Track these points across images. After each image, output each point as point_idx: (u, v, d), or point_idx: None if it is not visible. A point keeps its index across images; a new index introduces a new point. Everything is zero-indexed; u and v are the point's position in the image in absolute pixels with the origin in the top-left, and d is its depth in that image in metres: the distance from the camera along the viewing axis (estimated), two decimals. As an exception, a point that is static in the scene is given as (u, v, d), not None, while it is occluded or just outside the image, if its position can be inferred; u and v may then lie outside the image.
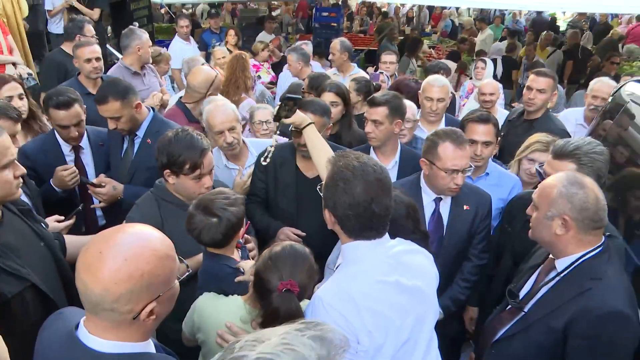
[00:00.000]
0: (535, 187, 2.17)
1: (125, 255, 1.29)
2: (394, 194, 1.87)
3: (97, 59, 4.21)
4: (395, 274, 1.78)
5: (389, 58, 6.01)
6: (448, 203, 2.74)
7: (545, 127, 3.66)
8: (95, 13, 7.00)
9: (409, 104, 3.52)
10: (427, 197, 2.74)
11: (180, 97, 4.05)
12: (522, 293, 2.20)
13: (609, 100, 3.74)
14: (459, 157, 2.56)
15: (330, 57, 5.90)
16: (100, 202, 3.16)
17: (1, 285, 1.74)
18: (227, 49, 7.33)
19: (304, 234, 2.85)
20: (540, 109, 3.97)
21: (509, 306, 2.22)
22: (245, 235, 2.46)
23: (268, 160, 2.80)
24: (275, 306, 1.77)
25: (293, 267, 1.86)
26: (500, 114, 4.97)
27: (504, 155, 3.70)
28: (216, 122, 3.10)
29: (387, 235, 1.84)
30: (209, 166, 2.48)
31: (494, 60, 9.51)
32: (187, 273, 1.66)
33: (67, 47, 4.90)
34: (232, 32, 8.06)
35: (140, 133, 3.21)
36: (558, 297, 2.01)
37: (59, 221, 2.63)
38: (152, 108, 3.37)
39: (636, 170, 2.93)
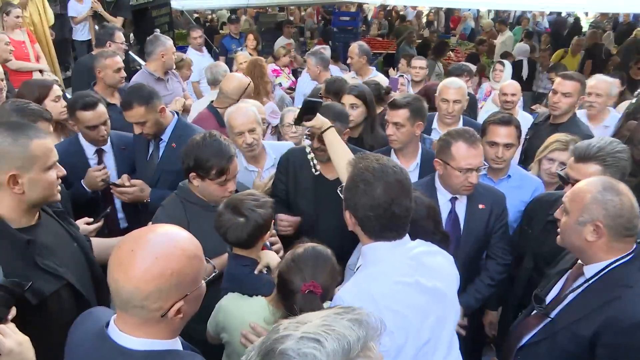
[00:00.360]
0: (558, 188, 2.16)
1: (156, 254, 1.33)
2: (414, 195, 1.89)
3: (121, 69, 4.27)
4: (415, 274, 1.78)
5: (419, 63, 5.99)
6: (464, 203, 2.75)
7: (571, 132, 3.57)
8: (119, 21, 7.15)
9: None
10: (443, 197, 2.75)
11: (212, 102, 4.12)
12: (548, 298, 2.17)
13: (634, 100, 3.69)
14: (473, 156, 2.58)
15: (348, 60, 5.91)
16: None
17: (40, 283, 1.80)
18: (249, 53, 7.43)
19: (298, 218, 2.92)
20: (566, 113, 3.89)
21: (535, 311, 2.19)
22: (273, 231, 2.49)
23: (317, 168, 2.87)
24: (299, 307, 1.79)
25: (315, 269, 1.89)
26: (521, 116, 4.94)
27: (529, 159, 3.67)
28: (237, 123, 3.15)
29: (407, 236, 1.85)
30: (234, 172, 2.54)
31: (520, 62, 9.47)
32: (214, 273, 1.69)
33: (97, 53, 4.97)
34: (251, 36, 8.14)
35: (165, 137, 3.27)
36: (586, 305, 1.97)
37: (88, 223, 2.70)
38: (177, 112, 3.44)
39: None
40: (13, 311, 1.67)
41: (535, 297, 2.19)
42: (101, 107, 3.23)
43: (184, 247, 1.39)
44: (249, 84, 4.02)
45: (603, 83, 4.31)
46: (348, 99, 3.60)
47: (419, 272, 1.80)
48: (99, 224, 2.71)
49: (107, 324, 1.43)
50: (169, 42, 4.84)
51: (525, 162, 3.80)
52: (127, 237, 1.43)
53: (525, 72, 9.33)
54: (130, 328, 1.38)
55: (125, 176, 3.20)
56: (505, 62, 7.06)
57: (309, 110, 2.54)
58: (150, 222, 2.44)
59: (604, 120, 4.35)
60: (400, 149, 3.19)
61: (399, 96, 3.32)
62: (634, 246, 1.97)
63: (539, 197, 2.88)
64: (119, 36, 5.03)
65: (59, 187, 2.03)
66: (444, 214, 2.73)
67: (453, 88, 3.89)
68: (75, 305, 1.87)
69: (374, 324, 0.99)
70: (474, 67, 7.46)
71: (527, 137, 4.15)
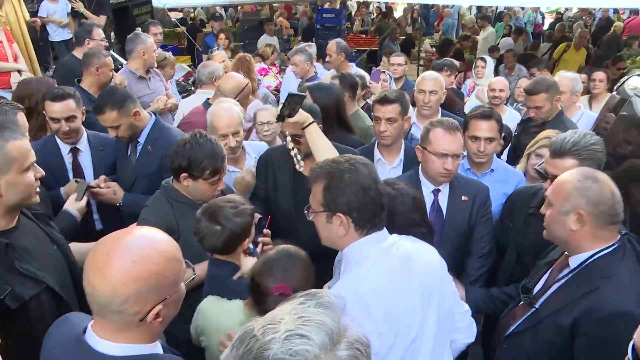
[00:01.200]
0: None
1: (133, 257, 1.31)
2: (399, 186, 1.93)
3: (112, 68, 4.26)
4: (401, 269, 1.76)
5: (397, 60, 5.96)
6: (446, 194, 2.77)
7: (558, 129, 3.58)
8: (102, 20, 7.03)
9: None
10: (426, 189, 2.77)
11: (208, 99, 4.08)
12: (536, 289, 2.19)
13: (613, 94, 3.74)
14: (449, 142, 2.62)
15: (327, 58, 5.90)
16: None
17: (19, 288, 1.77)
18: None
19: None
20: (552, 112, 3.87)
21: (522, 302, 2.21)
22: (265, 231, 2.50)
23: (301, 164, 2.83)
24: (271, 310, 1.78)
25: (286, 270, 1.89)
26: (507, 112, 4.98)
27: (517, 156, 3.70)
28: (221, 125, 3.10)
29: (385, 230, 1.85)
30: (225, 171, 2.59)
31: (502, 57, 9.58)
32: (193, 276, 1.66)
33: (78, 53, 4.86)
34: (222, 35, 8.09)
35: (142, 139, 3.23)
36: (568, 295, 2.00)
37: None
38: (155, 114, 3.38)
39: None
40: None
41: (522, 287, 2.21)
42: (69, 102, 3.15)
43: (162, 249, 1.36)
44: (246, 85, 4.03)
45: (566, 80, 4.34)
46: None
47: (405, 266, 1.78)
48: (84, 199, 2.80)
49: (85, 330, 1.39)
50: (149, 39, 4.79)
51: (514, 159, 3.81)
52: (103, 240, 1.39)
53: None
54: (108, 333, 1.34)
55: (102, 177, 3.15)
56: (487, 57, 7.10)
57: (291, 105, 2.52)
58: (135, 224, 2.41)
59: (574, 115, 4.35)
60: (388, 145, 3.19)
61: (387, 92, 3.28)
62: (618, 237, 2.00)
63: (519, 190, 2.91)
64: (98, 33, 4.96)
65: (38, 189, 2.00)
66: (428, 206, 2.73)
67: (429, 79, 3.96)
68: (56, 309, 1.84)
69: (335, 301, 1.00)
70: (457, 63, 7.52)
71: (516, 133, 4.18)
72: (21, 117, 2.71)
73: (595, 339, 1.86)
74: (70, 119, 3.17)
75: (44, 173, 2.01)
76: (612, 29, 12.32)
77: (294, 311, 0.98)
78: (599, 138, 2.49)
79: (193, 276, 1.55)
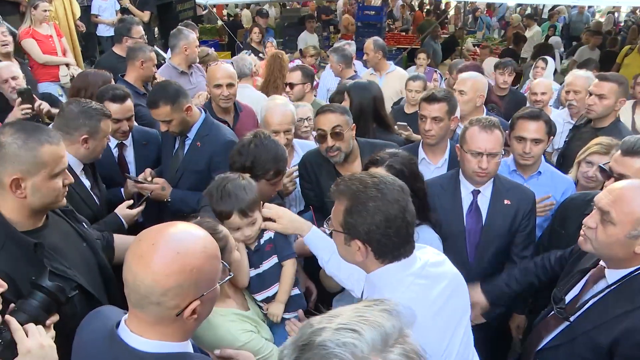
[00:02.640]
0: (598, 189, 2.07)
1: (177, 249, 1.30)
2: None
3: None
4: (433, 293, 1.69)
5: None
6: (488, 197, 2.68)
7: (614, 137, 3.27)
8: (146, 15, 7.19)
9: None
10: (465, 189, 2.70)
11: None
12: (568, 298, 2.10)
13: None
14: (484, 140, 2.56)
15: (364, 57, 5.83)
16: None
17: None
18: (252, 46, 7.41)
19: None
20: (606, 117, 3.67)
21: (554, 311, 2.11)
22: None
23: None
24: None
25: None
26: (553, 113, 4.79)
27: (567, 163, 3.54)
28: (274, 122, 3.15)
29: (413, 254, 1.73)
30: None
31: (552, 55, 9.30)
32: (229, 277, 1.65)
33: (117, 50, 4.98)
34: (256, 29, 8.08)
35: (191, 135, 3.23)
36: (606, 312, 1.90)
37: (129, 207, 2.79)
38: (204, 110, 3.40)
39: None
40: (55, 317, 1.66)
41: (553, 295, 2.11)
42: (129, 103, 3.22)
43: (205, 245, 1.36)
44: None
45: (581, 79, 4.16)
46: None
47: (436, 290, 1.70)
48: (141, 207, 2.81)
49: (118, 324, 1.39)
50: (192, 35, 4.83)
51: (562, 165, 3.64)
52: (147, 231, 1.38)
53: (559, 65, 9.14)
54: (143, 328, 1.34)
55: (148, 170, 3.16)
56: (549, 58, 6.79)
57: None
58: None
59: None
60: (433, 144, 3.12)
61: (434, 90, 3.22)
62: None
63: (573, 197, 2.78)
64: (137, 31, 5.03)
65: (65, 194, 1.97)
66: (465, 207, 2.70)
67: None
68: (88, 307, 1.80)
69: (404, 312, 1.00)
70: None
71: (566, 139, 4.01)
72: (104, 124, 2.73)
73: None
74: (130, 118, 3.25)
75: (72, 180, 1.99)
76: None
77: (357, 310, 1.00)
78: None
79: (230, 275, 1.52)
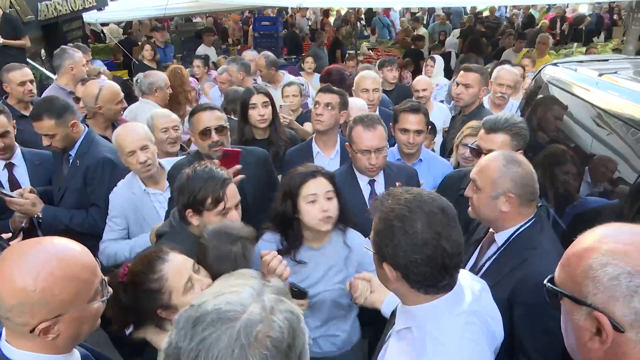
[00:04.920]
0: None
1: (24, 268, 1.29)
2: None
3: (31, 81, 4.20)
4: (482, 331, 1.57)
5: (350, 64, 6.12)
6: (382, 183, 2.90)
7: (476, 118, 3.76)
8: (27, 41, 6.77)
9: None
10: (362, 181, 2.91)
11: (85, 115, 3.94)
12: (467, 267, 2.28)
13: (531, 83, 3.98)
14: (369, 139, 2.76)
15: (257, 73, 5.96)
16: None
17: None
18: (145, 64, 7.33)
19: None
20: (472, 104, 4.09)
21: None
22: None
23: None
24: None
25: None
26: (436, 107, 5.18)
27: (447, 151, 3.88)
28: (126, 143, 2.93)
29: (459, 285, 1.55)
30: (233, 198, 2.26)
31: (449, 54, 10.06)
32: (103, 298, 1.49)
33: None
34: (147, 46, 7.98)
35: (73, 152, 3.19)
36: (500, 270, 2.10)
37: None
38: (87, 125, 3.36)
39: (558, 147, 3.15)
40: None
41: None
42: (1, 118, 3.12)
43: (60, 267, 1.32)
44: (100, 89, 3.68)
45: (509, 74, 4.55)
46: (258, 98, 3.57)
47: (485, 330, 1.58)
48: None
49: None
50: (77, 54, 4.72)
51: (444, 153, 3.98)
52: (13, 246, 1.40)
53: (453, 63, 9.92)
54: (10, 338, 1.35)
55: (28, 187, 3.08)
56: (437, 57, 7.35)
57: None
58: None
59: (504, 106, 4.60)
60: (321, 130, 3.31)
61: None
62: (535, 210, 2.14)
63: (449, 175, 3.09)
64: None
65: None
66: (366, 196, 2.89)
67: (369, 78, 4.23)
68: None
69: (249, 271, 1.18)
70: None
71: (446, 129, 4.36)
72: None
73: (531, 306, 1.95)
74: (3, 135, 3.14)
75: None
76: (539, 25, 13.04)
77: (221, 283, 1.12)
78: (523, 119, 2.74)
79: (104, 298, 1.47)
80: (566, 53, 10.27)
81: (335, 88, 3.38)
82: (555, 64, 3.66)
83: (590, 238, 1.16)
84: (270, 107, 3.61)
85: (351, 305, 2.40)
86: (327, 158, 3.34)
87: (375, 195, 2.86)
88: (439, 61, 7.17)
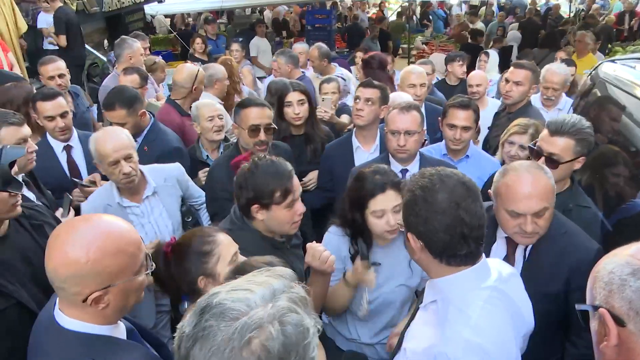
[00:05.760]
0: None
1: (75, 241, 1.39)
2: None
3: (60, 75, 4.37)
4: (510, 309, 1.59)
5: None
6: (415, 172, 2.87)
7: (524, 116, 3.58)
8: (62, 40, 7.16)
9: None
10: (395, 169, 2.86)
11: (169, 95, 4.22)
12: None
13: (586, 80, 3.83)
14: (399, 120, 2.84)
15: (309, 64, 5.99)
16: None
17: None
18: (196, 57, 7.49)
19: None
20: (520, 102, 3.96)
21: None
22: None
23: None
24: None
25: None
26: (491, 103, 5.06)
27: (489, 147, 3.80)
28: (108, 150, 2.62)
29: (484, 260, 1.60)
30: (298, 189, 2.26)
31: (510, 47, 10.02)
32: (149, 270, 1.59)
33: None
34: (198, 40, 8.13)
35: (139, 140, 3.33)
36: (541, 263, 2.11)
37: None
38: (153, 115, 3.52)
39: (612, 148, 3.03)
40: None
41: None
42: (60, 100, 3.27)
43: (109, 241, 1.42)
44: (198, 71, 4.10)
45: (557, 76, 4.38)
46: (294, 96, 3.61)
47: (510, 309, 1.60)
48: (71, 213, 2.72)
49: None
50: (135, 43, 4.90)
51: (487, 149, 3.89)
52: (65, 222, 1.51)
53: (514, 57, 9.68)
54: (64, 307, 1.45)
55: (97, 175, 3.14)
56: (490, 51, 7.18)
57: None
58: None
59: (557, 104, 4.47)
60: (361, 125, 3.32)
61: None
62: None
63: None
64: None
65: (18, 203, 1.99)
66: None
67: (414, 73, 4.21)
68: (30, 323, 1.75)
69: (286, 273, 1.14)
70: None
71: (489, 126, 4.26)
72: (6, 132, 2.58)
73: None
74: (63, 115, 3.30)
75: (20, 192, 1.99)
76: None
77: (247, 277, 1.12)
78: (590, 124, 2.60)
79: (150, 269, 1.56)
80: (634, 50, 9.73)
81: (376, 82, 3.37)
82: (612, 61, 3.51)
83: (616, 250, 1.17)
84: (306, 105, 3.63)
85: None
86: (366, 152, 3.35)
87: None
88: (493, 56, 6.98)
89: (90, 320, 1.43)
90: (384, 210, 2.25)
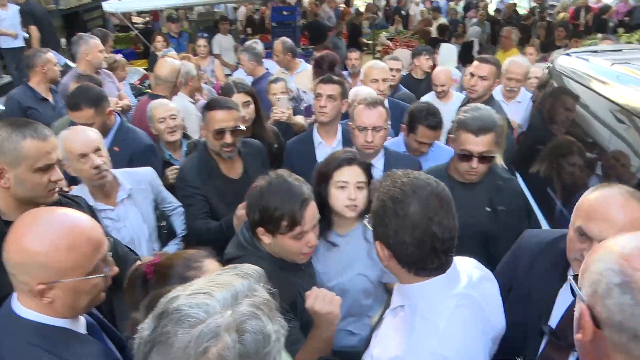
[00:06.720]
0: None
1: (32, 231, 1.40)
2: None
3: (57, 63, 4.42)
4: (477, 318, 1.54)
5: (353, 55, 6.04)
6: (380, 168, 2.91)
7: None
8: (32, 29, 7.00)
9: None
10: None
11: (148, 91, 4.23)
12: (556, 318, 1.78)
13: (546, 71, 3.92)
14: (366, 116, 2.84)
15: (274, 58, 5.96)
16: None
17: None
18: (157, 55, 7.37)
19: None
20: (484, 96, 3.99)
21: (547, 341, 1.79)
22: None
23: None
24: None
25: None
26: (456, 97, 5.09)
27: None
28: (76, 145, 2.54)
29: (454, 268, 1.54)
30: (312, 220, 1.97)
31: (470, 42, 10.19)
32: (102, 274, 1.51)
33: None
34: (159, 37, 8.01)
35: (107, 140, 3.18)
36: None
37: None
38: (119, 114, 3.40)
39: (568, 138, 3.11)
40: None
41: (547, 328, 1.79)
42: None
43: (65, 236, 1.41)
44: (180, 65, 4.16)
45: (519, 67, 4.52)
46: (238, 97, 3.52)
47: (479, 315, 1.54)
48: None
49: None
50: (92, 40, 4.75)
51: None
52: (30, 211, 1.50)
53: (475, 52, 9.90)
54: (20, 296, 1.45)
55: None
56: (445, 45, 7.32)
57: None
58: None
59: (517, 96, 4.60)
60: (325, 122, 3.32)
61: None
62: None
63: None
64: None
65: (55, 190, 2.05)
66: None
67: (377, 68, 4.25)
68: None
69: (253, 271, 1.08)
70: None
71: (453, 120, 4.29)
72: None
73: None
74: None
75: (61, 177, 2.07)
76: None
77: (209, 277, 1.07)
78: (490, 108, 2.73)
79: (102, 274, 1.50)
80: (590, 44, 10.05)
81: (335, 78, 3.36)
82: (568, 54, 3.61)
83: (614, 240, 1.09)
84: (252, 106, 3.59)
85: (372, 306, 2.37)
86: (329, 147, 3.33)
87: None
88: (447, 49, 7.10)
89: (43, 311, 1.43)
90: (347, 182, 2.26)
